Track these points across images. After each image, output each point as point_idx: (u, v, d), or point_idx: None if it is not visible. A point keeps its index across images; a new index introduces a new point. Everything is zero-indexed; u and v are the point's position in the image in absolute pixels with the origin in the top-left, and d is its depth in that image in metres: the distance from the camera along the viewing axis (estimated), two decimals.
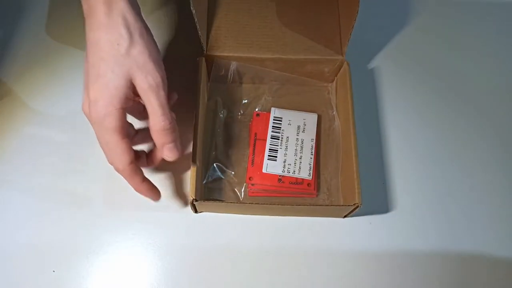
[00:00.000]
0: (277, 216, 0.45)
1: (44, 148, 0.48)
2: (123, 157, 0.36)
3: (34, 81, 0.52)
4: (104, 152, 0.37)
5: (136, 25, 0.35)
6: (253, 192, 0.46)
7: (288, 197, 0.46)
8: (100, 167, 0.47)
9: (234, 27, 0.48)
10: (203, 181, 0.46)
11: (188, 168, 0.40)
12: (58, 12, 0.56)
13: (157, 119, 0.36)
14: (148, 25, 0.37)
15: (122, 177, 0.38)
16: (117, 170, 0.37)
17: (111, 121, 0.34)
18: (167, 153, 0.38)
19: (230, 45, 0.47)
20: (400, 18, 0.57)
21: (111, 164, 0.37)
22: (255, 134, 0.48)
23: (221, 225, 0.45)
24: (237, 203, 0.45)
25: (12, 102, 0.50)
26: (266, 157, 0.46)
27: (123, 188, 0.46)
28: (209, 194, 0.46)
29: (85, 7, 0.35)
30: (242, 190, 0.46)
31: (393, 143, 0.49)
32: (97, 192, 0.46)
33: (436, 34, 0.57)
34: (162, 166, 0.47)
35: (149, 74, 0.35)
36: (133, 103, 0.38)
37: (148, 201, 0.46)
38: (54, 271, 0.42)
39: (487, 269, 0.44)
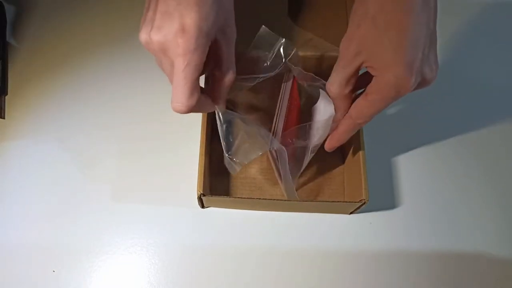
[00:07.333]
0: (284, 212, 0.45)
1: (44, 149, 0.48)
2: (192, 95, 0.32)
3: (36, 80, 0.51)
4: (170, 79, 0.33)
5: None
6: None
7: None
8: (101, 167, 0.47)
9: (238, 24, 0.48)
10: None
11: (196, 162, 0.40)
12: (57, 13, 0.56)
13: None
14: None
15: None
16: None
17: (200, 55, 0.31)
18: None
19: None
20: None
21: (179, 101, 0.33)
22: None
23: (228, 220, 0.45)
24: (244, 198, 0.44)
25: (12, 101, 0.50)
26: None
27: (124, 187, 0.46)
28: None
29: None
30: None
31: (399, 142, 0.50)
32: (97, 192, 0.45)
33: None
34: (170, 160, 0.47)
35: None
36: None
37: (152, 197, 0.45)
38: (54, 271, 0.42)
39: (488, 269, 0.44)
